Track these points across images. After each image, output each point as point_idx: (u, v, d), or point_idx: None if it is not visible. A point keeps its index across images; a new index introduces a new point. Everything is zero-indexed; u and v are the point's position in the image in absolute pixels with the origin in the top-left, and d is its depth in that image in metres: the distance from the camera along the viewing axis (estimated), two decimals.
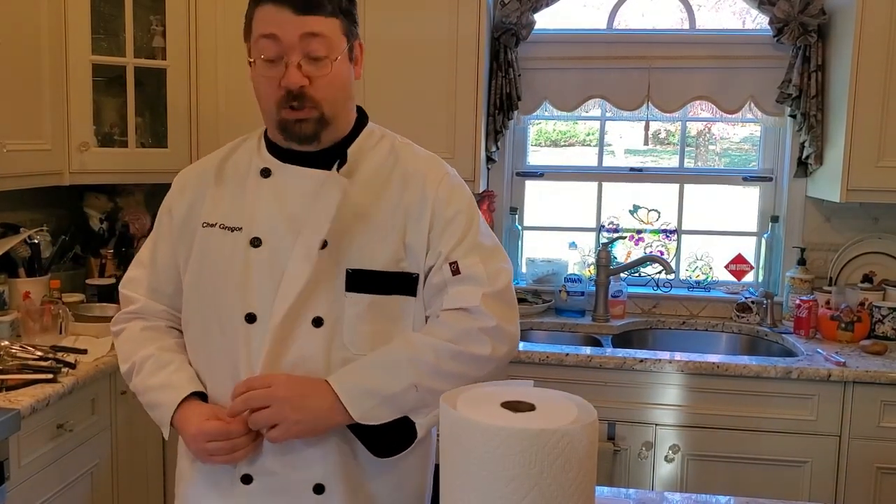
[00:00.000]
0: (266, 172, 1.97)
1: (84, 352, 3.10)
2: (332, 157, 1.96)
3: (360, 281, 1.90)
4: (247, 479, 1.93)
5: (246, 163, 2.03)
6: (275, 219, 1.93)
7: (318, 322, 1.87)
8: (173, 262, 2.05)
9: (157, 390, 1.97)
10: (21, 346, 3.11)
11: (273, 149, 2.00)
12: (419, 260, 1.96)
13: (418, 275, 1.97)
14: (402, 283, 1.95)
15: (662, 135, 4.34)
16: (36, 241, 3.62)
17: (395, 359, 1.88)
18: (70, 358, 3.01)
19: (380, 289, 1.93)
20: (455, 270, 1.93)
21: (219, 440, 1.84)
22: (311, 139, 1.92)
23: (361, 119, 2.08)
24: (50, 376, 2.86)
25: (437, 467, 1.54)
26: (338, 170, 1.95)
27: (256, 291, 1.90)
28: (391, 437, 1.90)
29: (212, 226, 1.97)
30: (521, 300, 4.09)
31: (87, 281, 3.83)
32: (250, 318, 1.89)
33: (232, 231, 1.94)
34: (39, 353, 3.05)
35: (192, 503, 2.04)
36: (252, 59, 1.91)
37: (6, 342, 3.15)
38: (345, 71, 1.94)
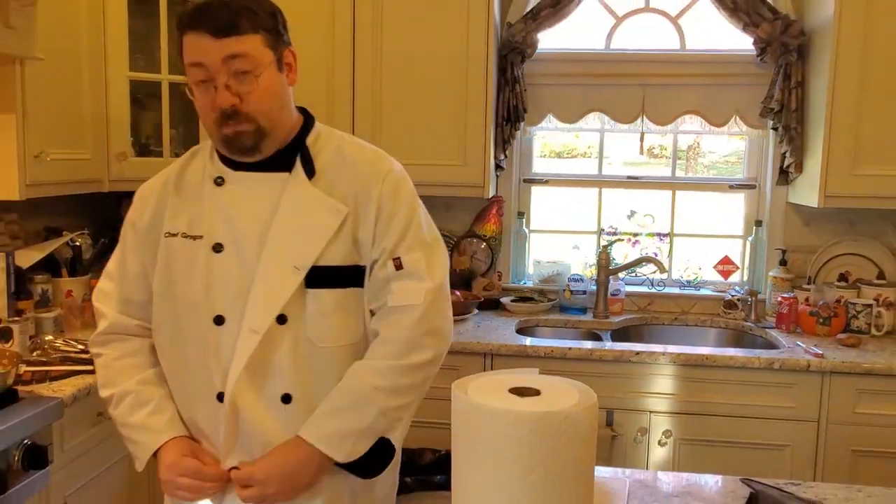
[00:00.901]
0: (220, 181, 1.94)
1: None
2: (281, 160, 1.94)
3: (319, 277, 1.88)
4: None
5: (200, 173, 1.99)
6: (233, 225, 1.90)
7: (282, 319, 1.85)
8: (142, 272, 2.00)
9: (137, 429, 1.95)
10: (64, 340, 3.14)
11: (224, 158, 1.96)
12: (367, 252, 1.94)
13: (366, 266, 1.95)
14: (355, 276, 1.94)
15: (656, 150, 4.36)
16: (77, 244, 3.63)
17: (356, 397, 1.87)
18: None
19: (337, 283, 1.91)
20: (398, 266, 1.92)
21: (190, 478, 1.86)
22: (251, 150, 1.89)
23: (308, 121, 2.03)
24: (90, 368, 2.72)
25: (448, 454, 1.55)
26: (307, 174, 1.93)
27: (223, 295, 1.88)
28: (373, 458, 1.91)
29: (174, 235, 1.94)
30: (528, 299, 4.17)
31: None
32: (218, 321, 1.88)
33: (194, 239, 1.91)
34: (80, 347, 3.05)
35: None
36: (187, 84, 1.89)
37: (50, 336, 3.19)
38: (275, 82, 1.90)
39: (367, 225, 1.93)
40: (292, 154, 1.95)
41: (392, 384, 1.88)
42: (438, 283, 1.96)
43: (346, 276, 1.93)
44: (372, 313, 1.98)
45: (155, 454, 1.94)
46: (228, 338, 1.87)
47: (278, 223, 1.89)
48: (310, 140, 1.99)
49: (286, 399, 1.88)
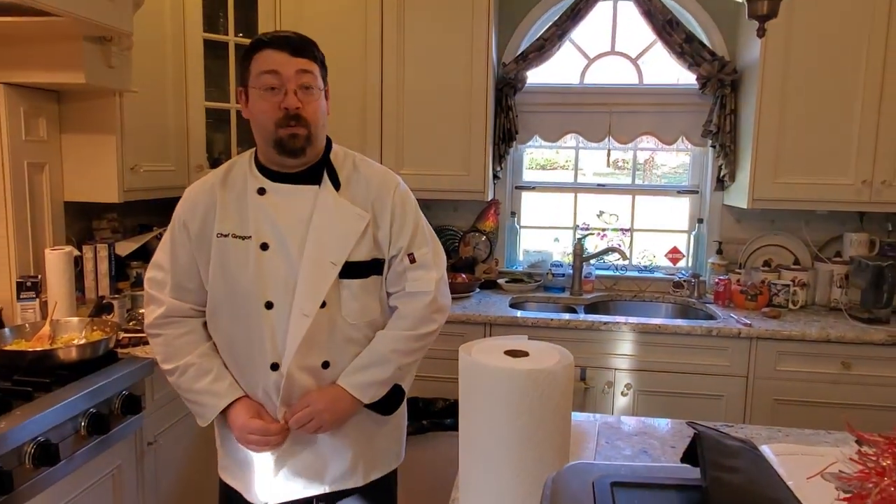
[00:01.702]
0: (262, 191, 1.92)
1: None
2: (311, 175, 1.94)
3: (349, 270, 1.90)
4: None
5: (242, 182, 1.96)
6: (276, 227, 1.89)
7: (322, 304, 1.86)
8: (193, 263, 1.96)
9: (203, 394, 1.94)
10: None
11: (265, 171, 1.95)
12: (384, 249, 1.97)
13: (384, 259, 1.98)
14: (375, 268, 1.96)
15: (620, 163, 4.35)
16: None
17: (379, 357, 1.94)
18: None
19: (362, 274, 1.94)
20: (412, 260, 1.97)
21: (258, 435, 1.87)
22: (299, 152, 1.87)
23: (329, 143, 2.02)
24: None
25: (456, 402, 1.56)
26: (334, 186, 1.94)
27: (271, 285, 1.88)
28: (389, 400, 1.99)
29: (225, 236, 1.91)
30: (518, 280, 4.16)
31: None
32: (269, 306, 1.88)
33: (243, 239, 1.90)
34: None
35: (228, 441, 2.04)
36: (247, 94, 1.90)
37: (143, 309, 3.21)
38: (323, 103, 1.93)
39: (383, 228, 1.97)
40: (320, 170, 1.96)
41: (406, 348, 1.97)
42: (442, 272, 2.05)
43: (369, 268, 1.96)
44: (388, 294, 2.03)
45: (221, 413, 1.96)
46: (278, 319, 1.88)
47: (315, 227, 1.90)
48: (332, 157, 1.99)
49: (325, 365, 1.92)
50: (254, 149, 2.02)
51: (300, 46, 1.87)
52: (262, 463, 1.98)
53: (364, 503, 2.04)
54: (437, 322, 2.02)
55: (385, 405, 2.00)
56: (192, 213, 1.96)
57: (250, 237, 1.90)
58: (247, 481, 2.01)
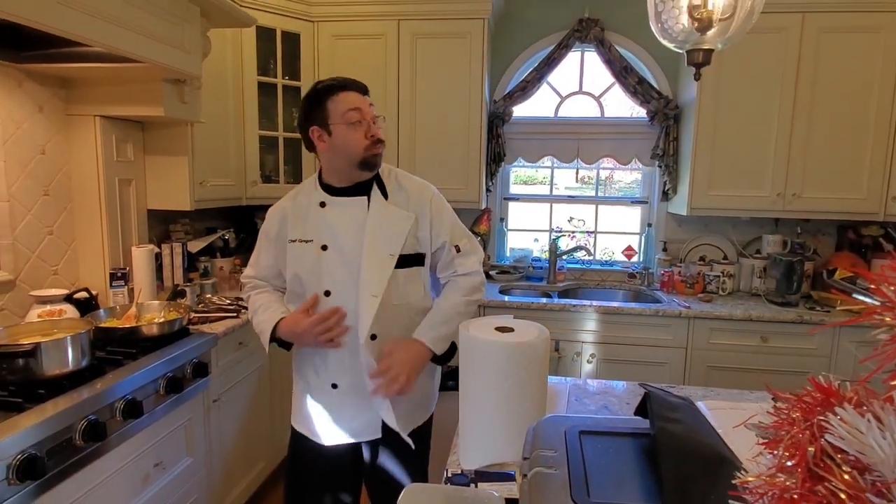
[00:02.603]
0: (322, 204, 1.94)
1: None
2: (361, 190, 1.94)
3: (399, 261, 1.90)
4: (334, 386, 1.97)
5: (307, 198, 1.98)
6: (334, 231, 1.90)
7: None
8: (273, 264, 2.04)
9: (259, 324, 1.95)
10: (217, 298, 3.17)
11: (326, 187, 1.96)
12: (426, 245, 1.96)
13: (425, 253, 1.97)
14: (416, 259, 1.95)
15: (586, 179, 4.34)
16: (226, 237, 3.63)
17: (448, 315, 1.93)
18: (245, 304, 2.97)
19: (408, 264, 1.93)
20: (458, 250, 1.99)
21: (321, 324, 1.85)
22: (377, 167, 1.93)
23: None
24: (234, 315, 2.89)
25: (457, 368, 1.56)
26: (383, 195, 1.94)
27: (328, 278, 1.90)
28: (447, 353, 1.97)
29: (294, 241, 1.95)
30: (506, 272, 4.13)
31: None
32: (327, 294, 1.90)
33: (307, 242, 1.93)
34: (228, 301, 3.09)
35: (302, 400, 2.05)
36: (327, 129, 1.87)
37: (209, 295, 3.23)
38: None
39: (424, 228, 1.96)
40: (368, 184, 1.95)
41: (465, 311, 1.97)
42: (481, 256, 2.07)
43: (413, 260, 1.95)
44: (439, 278, 2.06)
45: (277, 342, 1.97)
46: (335, 303, 1.89)
47: (371, 227, 1.90)
48: (380, 173, 1.99)
49: (373, 337, 1.90)
50: (317, 174, 2.03)
51: (364, 87, 1.92)
52: (326, 411, 1.99)
53: (405, 448, 2.02)
54: (482, 292, 2.03)
55: (443, 357, 1.98)
56: (270, 226, 2.04)
57: (312, 241, 1.92)
58: (312, 427, 2.02)
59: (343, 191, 1.95)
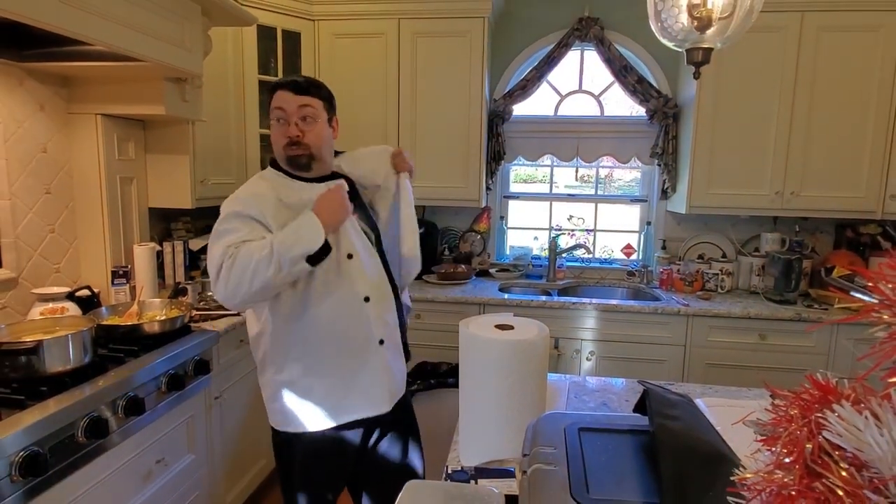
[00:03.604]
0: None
1: None
2: (327, 179, 1.95)
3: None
4: (381, 342, 1.95)
5: (288, 190, 1.89)
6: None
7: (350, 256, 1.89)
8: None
9: (294, 230, 1.74)
10: None
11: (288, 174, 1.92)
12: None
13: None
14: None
15: (586, 178, 4.34)
16: None
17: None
18: None
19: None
20: None
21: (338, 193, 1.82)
22: (305, 167, 1.89)
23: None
24: (236, 312, 2.83)
25: (457, 365, 1.54)
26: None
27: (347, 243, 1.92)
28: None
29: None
30: (505, 270, 4.14)
31: None
32: (349, 256, 1.91)
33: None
34: None
35: (301, 387, 1.92)
36: (270, 122, 1.89)
37: (210, 293, 3.15)
38: (325, 130, 1.91)
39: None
40: (333, 177, 1.97)
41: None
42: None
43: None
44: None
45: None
46: (355, 265, 1.92)
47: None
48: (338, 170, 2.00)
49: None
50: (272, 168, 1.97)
51: (303, 87, 1.87)
52: (313, 400, 1.93)
53: (395, 421, 2.04)
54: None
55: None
56: (250, 209, 1.80)
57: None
58: (298, 421, 1.94)
59: (305, 181, 1.94)
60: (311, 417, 1.95)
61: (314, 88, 1.90)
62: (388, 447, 2.09)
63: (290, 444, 1.99)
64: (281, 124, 1.87)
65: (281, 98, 1.86)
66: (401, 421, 2.09)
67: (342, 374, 1.92)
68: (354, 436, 2.00)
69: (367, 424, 2.00)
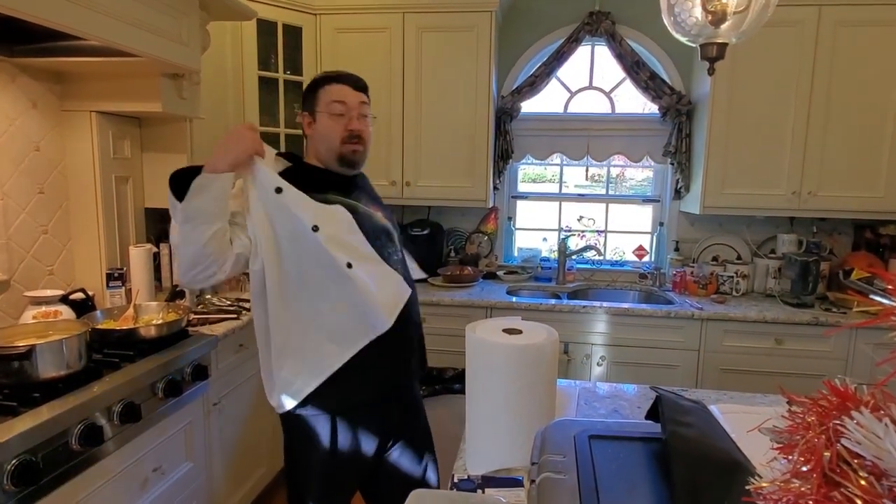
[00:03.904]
0: (279, 190, 1.72)
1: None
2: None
3: None
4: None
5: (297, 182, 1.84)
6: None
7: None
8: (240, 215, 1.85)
9: (194, 204, 1.64)
10: (218, 298, 3.15)
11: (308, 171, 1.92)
12: None
13: None
14: None
15: (596, 177, 4.34)
16: None
17: None
18: (247, 305, 2.95)
19: None
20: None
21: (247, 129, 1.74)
22: (357, 165, 1.93)
23: None
24: (235, 316, 2.87)
25: (464, 371, 1.53)
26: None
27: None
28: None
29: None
30: (513, 272, 4.14)
31: None
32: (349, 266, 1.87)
33: (332, 204, 1.86)
34: (228, 302, 3.08)
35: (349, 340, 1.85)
36: (313, 116, 1.88)
37: (208, 296, 3.20)
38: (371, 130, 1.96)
39: None
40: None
41: None
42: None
43: None
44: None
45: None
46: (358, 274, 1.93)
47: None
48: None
49: None
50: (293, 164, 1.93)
51: (362, 84, 1.93)
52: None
53: (409, 428, 2.08)
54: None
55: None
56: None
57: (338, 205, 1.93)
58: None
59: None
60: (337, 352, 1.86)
61: (366, 87, 1.96)
62: (403, 459, 2.08)
63: (309, 437, 1.91)
64: (341, 118, 1.87)
65: (342, 92, 1.88)
66: (416, 427, 2.11)
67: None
68: (369, 445, 1.97)
69: (382, 414, 1.98)
